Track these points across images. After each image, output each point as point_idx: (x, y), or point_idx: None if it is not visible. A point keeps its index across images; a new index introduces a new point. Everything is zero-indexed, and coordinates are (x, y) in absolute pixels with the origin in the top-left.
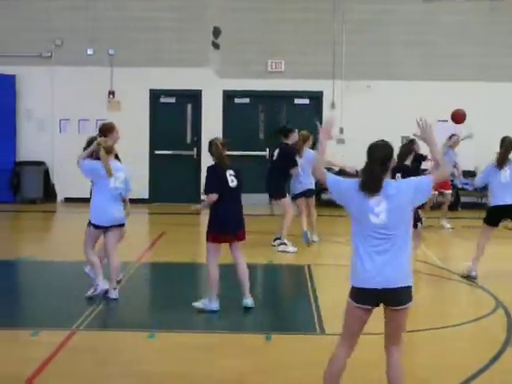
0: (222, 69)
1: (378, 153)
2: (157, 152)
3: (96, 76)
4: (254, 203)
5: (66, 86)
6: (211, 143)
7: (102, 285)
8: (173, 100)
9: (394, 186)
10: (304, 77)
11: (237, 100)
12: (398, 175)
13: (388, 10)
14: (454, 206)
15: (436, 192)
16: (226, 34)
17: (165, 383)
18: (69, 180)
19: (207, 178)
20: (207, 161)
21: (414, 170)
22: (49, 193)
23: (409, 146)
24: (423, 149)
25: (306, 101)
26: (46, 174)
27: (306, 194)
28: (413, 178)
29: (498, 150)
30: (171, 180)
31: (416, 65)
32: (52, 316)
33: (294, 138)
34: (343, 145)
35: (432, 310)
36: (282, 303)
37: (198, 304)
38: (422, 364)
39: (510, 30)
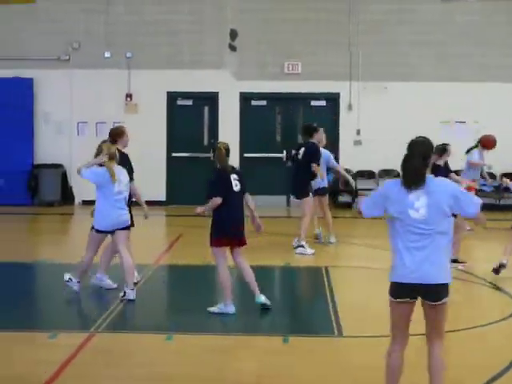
0: (238, 71)
1: (419, 148)
2: (174, 154)
3: (113, 79)
4: (259, 205)
5: (83, 89)
6: (214, 148)
7: (73, 283)
8: (190, 102)
9: (435, 182)
10: (321, 78)
11: (254, 102)
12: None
13: (404, 11)
14: None
15: None
16: (243, 36)
17: None
18: (86, 183)
19: (212, 181)
20: None
21: (442, 171)
22: (66, 195)
23: (441, 150)
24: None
25: (323, 102)
26: (64, 176)
27: (319, 192)
28: (455, 186)
29: None
30: (188, 182)
31: (433, 66)
32: (70, 318)
33: (318, 136)
34: (360, 146)
35: (455, 312)
36: (300, 305)
37: (213, 309)
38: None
39: None
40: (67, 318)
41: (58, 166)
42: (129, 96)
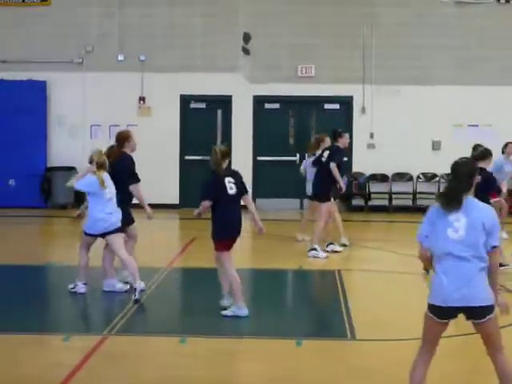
0: (252, 74)
1: (462, 170)
2: (187, 157)
3: (127, 82)
4: (272, 208)
5: (96, 92)
6: (211, 150)
7: (79, 287)
8: (203, 105)
9: (474, 204)
10: (334, 82)
11: (267, 105)
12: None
13: (418, 14)
14: None
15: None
16: (256, 39)
17: None
18: None
19: (205, 184)
20: (237, 166)
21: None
22: (79, 198)
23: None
24: None
25: (336, 106)
26: None
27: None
28: (494, 216)
29: None
30: (201, 185)
31: (446, 69)
32: (83, 321)
33: (343, 141)
34: (373, 149)
35: None
36: (313, 308)
37: (226, 312)
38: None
39: None
40: (80, 320)
41: (72, 169)
42: (142, 99)
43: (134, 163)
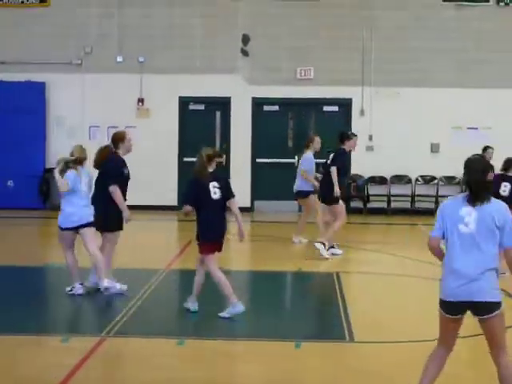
0: (251, 76)
1: (475, 166)
2: (185, 159)
3: (125, 83)
4: (271, 211)
5: (95, 93)
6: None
7: (77, 289)
8: (202, 107)
9: (492, 201)
10: (333, 84)
11: (266, 107)
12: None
13: (416, 17)
14: None
15: None
16: (255, 41)
17: None
18: None
19: (186, 188)
20: (236, 168)
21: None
22: None
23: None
24: None
25: (335, 108)
26: None
27: (314, 192)
28: (501, 212)
29: None
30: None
31: (445, 71)
32: (81, 322)
33: (350, 144)
34: (372, 152)
35: None
36: (311, 310)
37: (224, 314)
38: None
39: None
40: (79, 322)
41: None
42: (141, 100)
43: (121, 165)
